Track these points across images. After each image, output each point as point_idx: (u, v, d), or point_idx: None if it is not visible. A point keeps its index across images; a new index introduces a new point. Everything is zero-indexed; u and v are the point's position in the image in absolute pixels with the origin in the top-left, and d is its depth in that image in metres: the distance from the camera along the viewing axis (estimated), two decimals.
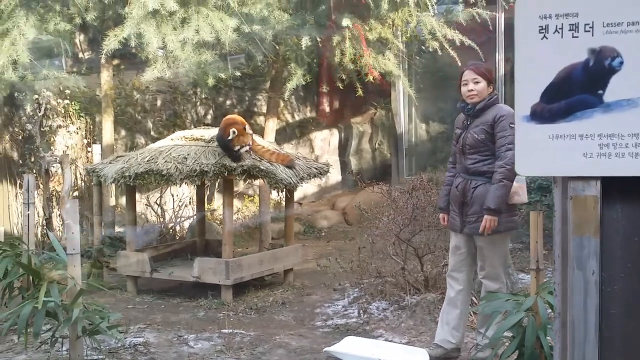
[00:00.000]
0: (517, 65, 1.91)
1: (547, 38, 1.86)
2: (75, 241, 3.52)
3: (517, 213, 3.73)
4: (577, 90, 1.85)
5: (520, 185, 3.58)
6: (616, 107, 1.81)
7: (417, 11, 6.66)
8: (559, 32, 1.85)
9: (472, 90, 3.58)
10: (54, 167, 7.47)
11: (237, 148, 5.12)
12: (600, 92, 1.83)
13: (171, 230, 7.71)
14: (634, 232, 1.80)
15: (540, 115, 1.88)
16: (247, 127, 5.21)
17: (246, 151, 5.21)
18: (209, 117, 9.77)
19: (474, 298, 4.24)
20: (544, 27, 1.87)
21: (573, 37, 1.84)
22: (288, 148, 9.62)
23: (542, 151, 1.88)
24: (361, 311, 4.75)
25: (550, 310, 2.83)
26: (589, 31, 1.83)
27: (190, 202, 8.14)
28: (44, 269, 3.87)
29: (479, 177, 3.60)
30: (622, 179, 1.80)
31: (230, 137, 5.08)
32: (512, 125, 3.46)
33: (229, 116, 5.61)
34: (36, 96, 6.96)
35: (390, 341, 4.15)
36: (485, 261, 3.67)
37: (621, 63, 1.80)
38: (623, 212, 1.81)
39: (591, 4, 1.82)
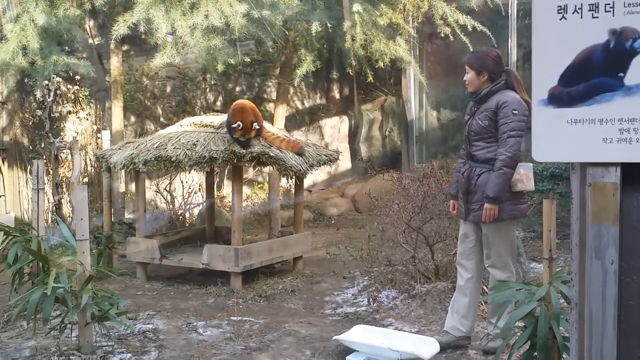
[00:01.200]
0: (535, 47, 1.84)
1: (565, 18, 1.80)
2: (84, 227, 3.50)
3: (524, 201, 3.65)
4: (597, 73, 1.78)
5: (526, 173, 3.52)
6: (638, 90, 1.74)
7: None
8: (578, 12, 1.79)
9: (464, 80, 3.65)
10: (63, 153, 7.49)
11: (236, 136, 5.09)
12: (621, 74, 1.76)
13: (180, 217, 7.71)
14: None
15: (558, 98, 1.82)
16: (256, 123, 5.13)
17: (249, 138, 5.16)
18: (218, 103, 9.73)
19: (485, 287, 4.19)
20: (562, 7, 1.80)
21: (593, 17, 1.77)
22: (298, 135, 9.58)
23: (560, 136, 1.81)
24: (371, 300, 4.72)
25: (563, 301, 2.77)
26: (609, 11, 1.76)
27: (199, 189, 8.14)
28: (53, 255, 3.87)
29: (483, 164, 3.56)
30: None
31: (234, 127, 5.03)
32: (514, 112, 3.42)
33: (238, 101, 5.54)
34: (46, 82, 6.94)
35: (400, 330, 4.11)
36: (491, 249, 3.62)
37: None
38: None
39: None
